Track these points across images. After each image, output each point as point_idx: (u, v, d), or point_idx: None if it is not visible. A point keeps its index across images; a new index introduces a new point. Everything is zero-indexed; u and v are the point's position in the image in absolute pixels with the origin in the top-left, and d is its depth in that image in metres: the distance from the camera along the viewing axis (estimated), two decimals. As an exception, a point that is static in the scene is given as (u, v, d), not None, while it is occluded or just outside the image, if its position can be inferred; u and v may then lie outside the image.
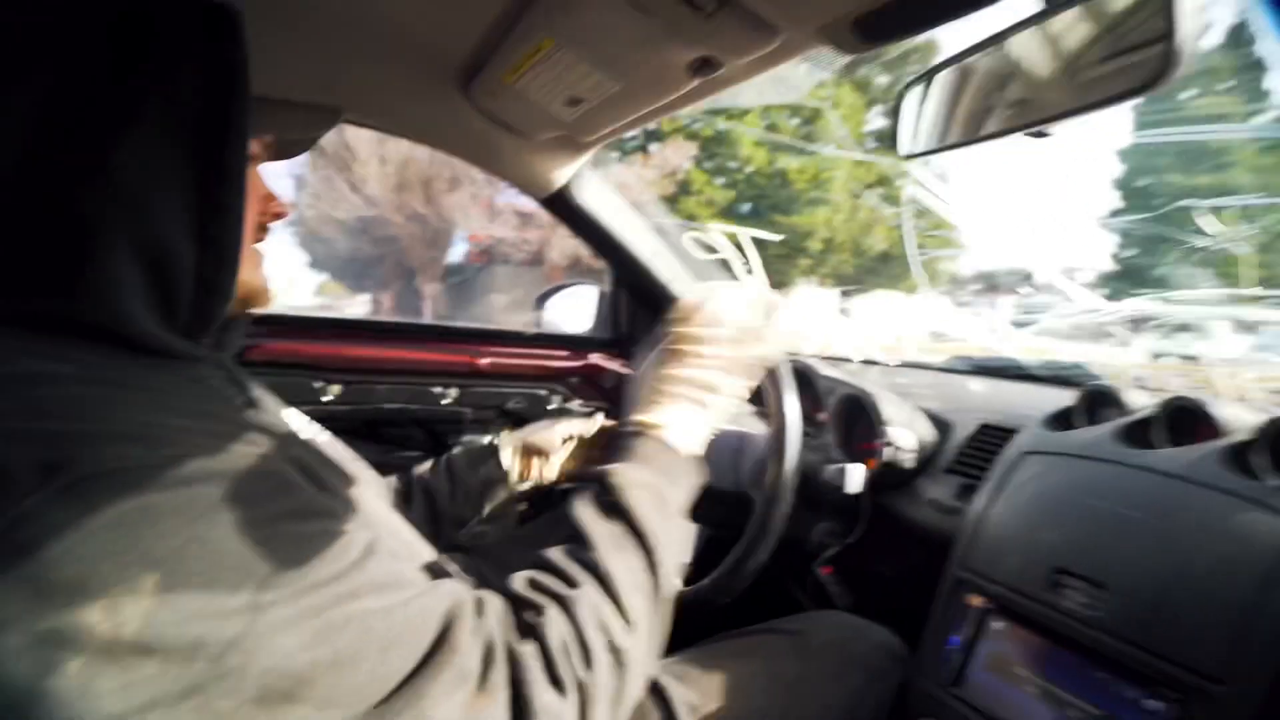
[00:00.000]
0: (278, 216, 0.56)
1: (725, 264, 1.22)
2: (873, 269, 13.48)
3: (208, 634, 0.33)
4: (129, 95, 0.42)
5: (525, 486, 0.85)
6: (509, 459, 0.83)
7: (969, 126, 0.73)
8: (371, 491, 0.57)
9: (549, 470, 0.86)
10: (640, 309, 1.42)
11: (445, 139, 1.05)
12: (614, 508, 0.52)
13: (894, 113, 0.76)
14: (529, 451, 0.85)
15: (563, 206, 1.18)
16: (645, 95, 0.81)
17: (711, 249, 1.23)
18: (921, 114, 0.76)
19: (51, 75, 0.41)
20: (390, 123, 1.01)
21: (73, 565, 0.31)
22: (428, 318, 12.64)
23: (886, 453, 1.02)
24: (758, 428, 1.02)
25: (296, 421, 0.60)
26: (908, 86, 0.76)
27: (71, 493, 0.32)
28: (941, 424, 1.08)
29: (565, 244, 11.73)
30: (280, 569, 0.36)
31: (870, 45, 0.63)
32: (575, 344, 1.43)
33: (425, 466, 0.84)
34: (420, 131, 1.04)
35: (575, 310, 1.48)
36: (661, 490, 0.55)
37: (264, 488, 0.39)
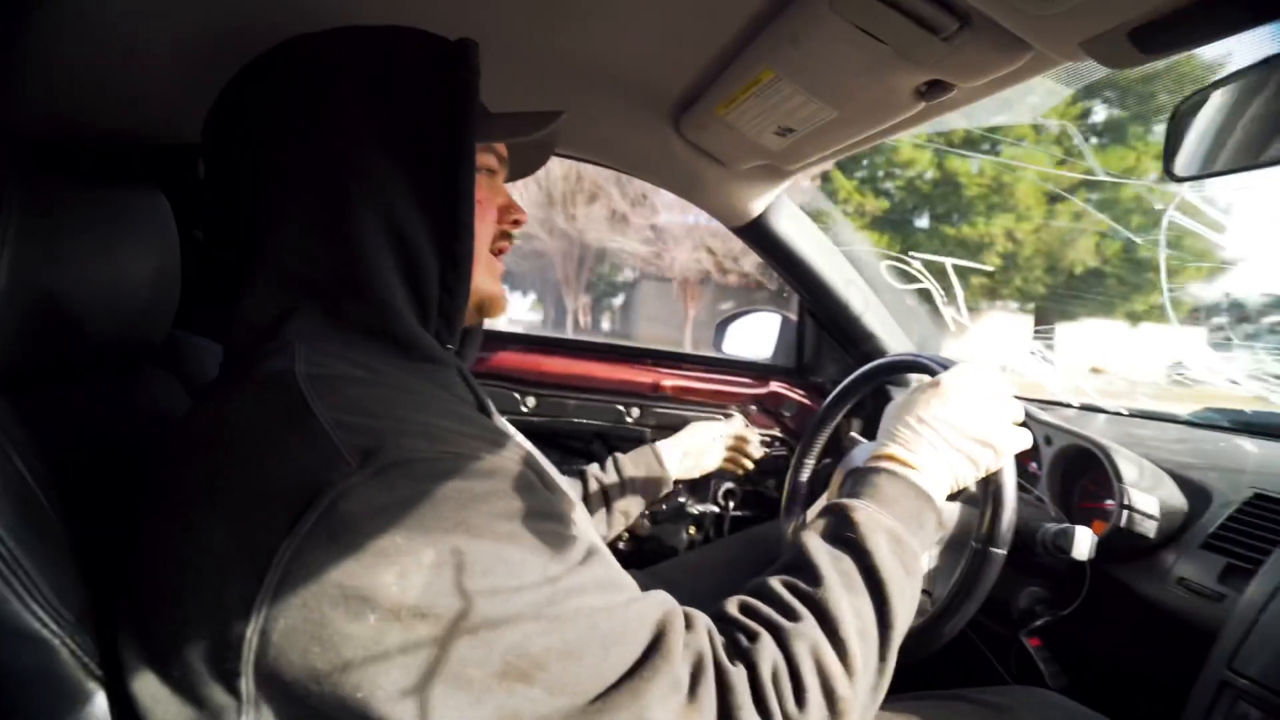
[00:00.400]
0: (517, 224, 0.60)
1: (927, 294, 1.14)
2: (1076, 291, 11.57)
3: (468, 609, 0.37)
4: (392, 119, 0.49)
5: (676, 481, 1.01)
6: (666, 457, 0.99)
7: (1264, 145, 0.62)
8: (575, 498, 0.60)
9: (699, 468, 1.04)
10: (824, 339, 1.38)
11: (652, 170, 1.08)
12: (852, 546, 0.49)
13: (1167, 134, 0.66)
14: (684, 451, 1.01)
15: (757, 235, 1.17)
16: (861, 122, 0.78)
17: (912, 278, 1.16)
18: (1198, 132, 0.67)
19: (336, 110, 0.48)
20: (600, 154, 1.06)
21: (377, 536, 0.36)
22: (569, 332, 13.00)
23: (1120, 516, 0.88)
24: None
25: (511, 429, 0.65)
26: (1183, 103, 0.67)
27: (381, 475, 0.38)
28: (1195, 489, 0.92)
29: (687, 257, 11.51)
30: (526, 560, 0.39)
31: (1147, 58, 0.55)
32: (757, 371, 1.41)
33: (594, 466, 0.97)
34: (629, 163, 1.08)
35: (756, 336, 1.47)
36: (904, 538, 0.51)
37: (515, 486, 0.42)
